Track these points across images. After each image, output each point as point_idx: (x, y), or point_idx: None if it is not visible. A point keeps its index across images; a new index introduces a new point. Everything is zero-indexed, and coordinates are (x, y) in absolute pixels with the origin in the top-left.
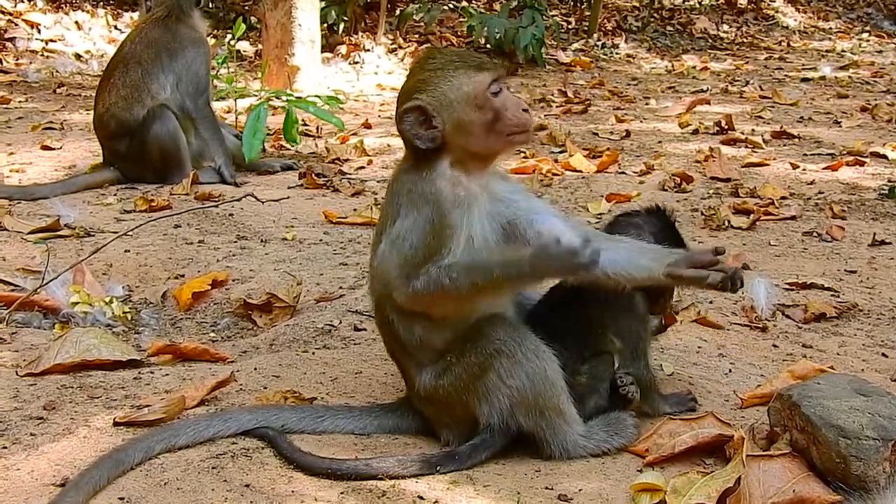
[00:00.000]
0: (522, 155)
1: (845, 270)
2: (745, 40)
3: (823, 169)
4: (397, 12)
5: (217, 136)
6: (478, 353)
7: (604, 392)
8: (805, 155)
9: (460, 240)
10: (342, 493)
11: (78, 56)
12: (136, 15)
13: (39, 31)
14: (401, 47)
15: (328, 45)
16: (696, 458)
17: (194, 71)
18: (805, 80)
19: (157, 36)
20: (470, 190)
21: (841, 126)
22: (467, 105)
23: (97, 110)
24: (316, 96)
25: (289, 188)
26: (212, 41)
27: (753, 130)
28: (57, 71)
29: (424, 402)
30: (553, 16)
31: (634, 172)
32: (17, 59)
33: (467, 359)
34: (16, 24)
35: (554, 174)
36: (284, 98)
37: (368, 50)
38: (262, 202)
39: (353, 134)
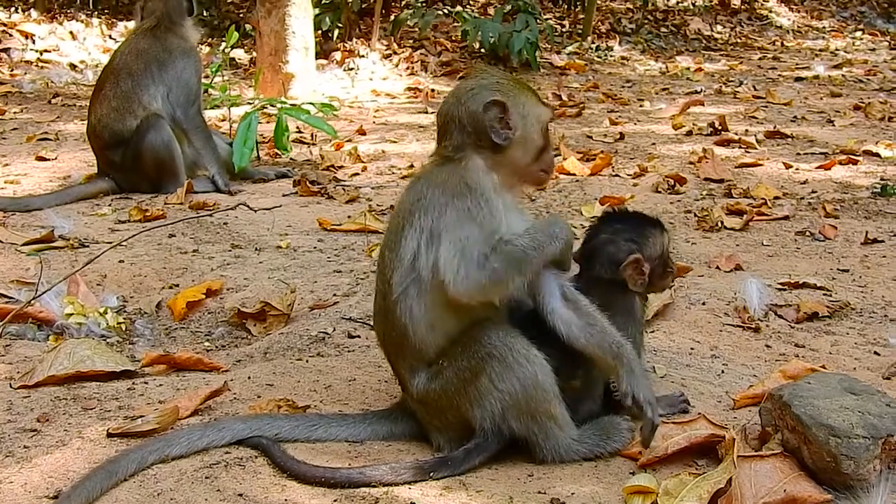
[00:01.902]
0: None
1: (838, 269)
2: (738, 41)
3: (816, 168)
4: (391, 18)
5: (209, 145)
6: (469, 357)
7: (597, 397)
8: (798, 154)
9: (504, 222)
10: (335, 500)
11: (73, 66)
12: (130, 24)
13: (34, 42)
14: (395, 53)
15: (323, 52)
16: (688, 459)
17: (184, 81)
18: (799, 79)
19: (146, 46)
20: (502, 189)
21: (834, 125)
22: (538, 125)
23: (90, 121)
24: (310, 103)
25: (283, 196)
26: (206, 49)
27: (747, 131)
28: (52, 81)
29: (418, 406)
30: (547, 19)
31: (628, 175)
32: (12, 70)
33: (459, 363)
34: (10, 35)
35: None
36: (278, 106)
37: (363, 56)
38: (255, 210)
39: (347, 140)
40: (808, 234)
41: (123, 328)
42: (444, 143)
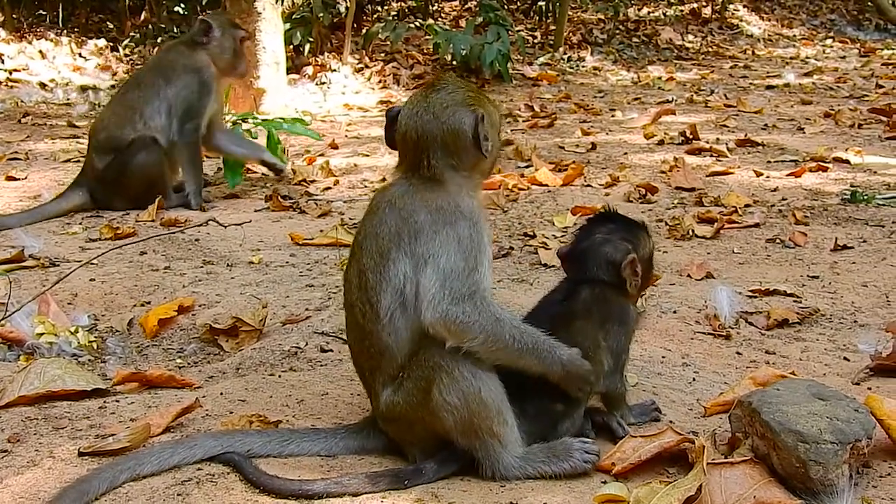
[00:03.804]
0: None
1: (808, 276)
2: (709, 50)
3: (787, 175)
4: (363, 32)
5: (194, 162)
6: (422, 368)
7: (577, 417)
8: (769, 162)
9: (488, 259)
10: None
11: (43, 85)
12: (100, 42)
13: (3, 62)
14: (367, 66)
15: (294, 67)
16: (660, 467)
17: (184, 97)
18: (769, 87)
19: (160, 61)
20: (484, 212)
21: (805, 132)
22: (499, 130)
23: (96, 120)
24: (281, 118)
25: (255, 211)
26: None
27: (718, 139)
28: (22, 101)
29: (387, 422)
30: (518, 31)
31: (600, 185)
32: None
33: (415, 373)
34: None
35: (520, 189)
36: (251, 120)
37: (335, 70)
38: (225, 226)
39: (319, 155)
40: (778, 241)
41: (95, 347)
42: (423, 164)
